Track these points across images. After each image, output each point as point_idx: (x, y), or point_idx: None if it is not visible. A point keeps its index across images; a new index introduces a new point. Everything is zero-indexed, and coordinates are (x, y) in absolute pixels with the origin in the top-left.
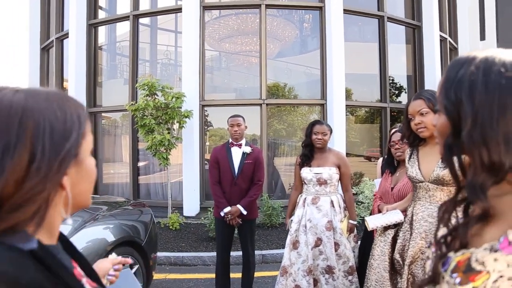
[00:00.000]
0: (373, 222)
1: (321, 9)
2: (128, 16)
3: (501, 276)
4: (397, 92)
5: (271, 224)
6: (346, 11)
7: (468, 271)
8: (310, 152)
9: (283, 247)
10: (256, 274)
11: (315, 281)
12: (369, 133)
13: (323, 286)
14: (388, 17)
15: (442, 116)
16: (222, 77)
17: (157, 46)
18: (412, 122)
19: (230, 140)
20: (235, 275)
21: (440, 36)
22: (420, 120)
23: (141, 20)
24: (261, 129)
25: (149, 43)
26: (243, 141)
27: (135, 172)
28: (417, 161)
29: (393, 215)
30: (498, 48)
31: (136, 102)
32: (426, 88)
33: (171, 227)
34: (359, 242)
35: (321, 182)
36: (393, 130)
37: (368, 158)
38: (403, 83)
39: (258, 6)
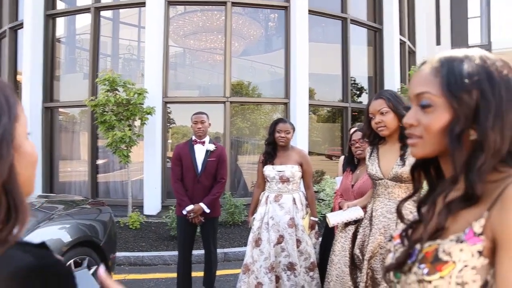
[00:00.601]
0: (334, 218)
1: (286, 8)
2: (89, 8)
3: (465, 266)
4: (358, 92)
5: (234, 222)
6: (311, 12)
7: (435, 261)
8: (273, 150)
9: (245, 245)
10: (218, 272)
11: (277, 278)
12: (331, 132)
13: (285, 283)
14: (351, 19)
15: (439, 113)
16: (186, 74)
17: (119, 41)
18: (373, 121)
19: (193, 138)
20: (197, 273)
21: (400, 39)
22: (381, 119)
23: (103, 13)
24: (225, 127)
25: (110, 37)
26: (206, 139)
27: (94, 170)
28: (377, 159)
29: (353, 212)
30: None
31: (96, 98)
32: (385, 87)
33: (131, 226)
34: (320, 238)
35: (284, 180)
36: (353, 129)
37: (329, 157)
38: (364, 84)
39: (224, 3)
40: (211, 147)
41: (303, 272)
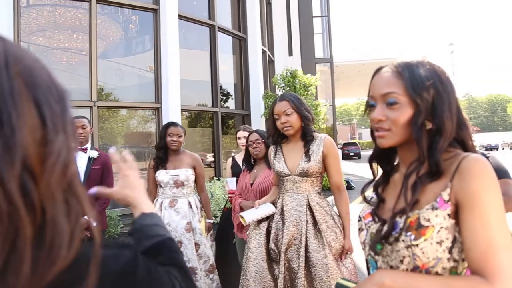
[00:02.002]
0: (249, 216)
1: (155, 11)
2: None
3: (441, 227)
4: (225, 98)
5: (109, 236)
6: (180, 17)
7: (419, 227)
8: (165, 154)
9: None
10: None
11: None
12: (203, 136)
13: None
14: (218, 27)
15: (404, 109)
16: None
17: None
18: (278, 121)
19: None
20: None
21: (262, 49)
22: (286, 119)
23: None
24: (93, 134)
25: None
26: (88, 145)
27: None
28: (283, 157)
29: (265, 208)
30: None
31: None
32: (251, 93)
33: None
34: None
35: (178, 184)
36: (243, 133)
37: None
38: (231, 90)
39: (88, 0)
40: (94, 153)
41: (203, 275)
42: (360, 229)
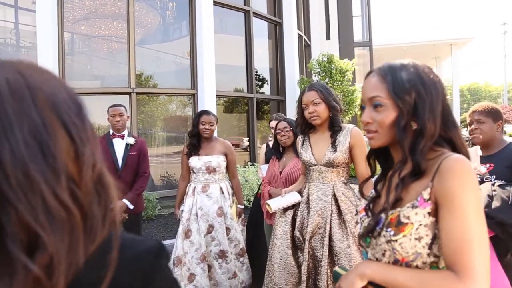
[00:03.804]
0: (275, 204)
1: None
2: None
3: (420, 225)
4: (260, 83)
5: (147, 217)
6: (215, 3)
7: (398, 224)
8: (198, 141)
9: (163, 239)
10: None
11: (209, 267)
12: (238, 122)
13: (217, 270)
14: (253, 12)
15: (388, 111)
16: (83, 63)
17: None
18: (306, 111)
19: (111, 131)
20: None
21: (297, 33)
22: (314, 109)
23: None
24: (131, 119)
25: None
26: (125, 132)
27: None
28: (310, 147)
29: (291, 197)
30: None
31: None
32: (286, 79)
33: None
34: (245, 225)
35: (210, 170)
36: (276, 120)
37: (236, 145)
38: (266, 75)
39: None
40: (131, 140)
41: (233, 258)
42: (356, 223)
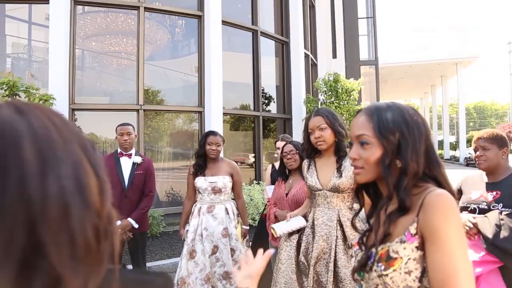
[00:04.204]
0: (280, 229)
1: (200, 18)
2: None
3: (409, 259)
4: (267, 101)
5: (152, 234)
6: (224, 22)
7: (388, 259)
8: (204, 161)
9: (168, 257)
10: None
11: None
12: (245, 139)
13: None
14: (261, 32)
15: (374, 149)
16: (93, 79)
17: (6, 38)
18: (312, 136)
19: (119, 150)
20: None
21: (304, 52)
22: (320, 134)
23: None
24: (138, 137)
25: None
26: (133, 151)
27: None
28: (315, 171)
29: (297, 221)
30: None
31: None
32: (293, 98)
33: None
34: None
35: (216, 191)
36: (282, 143)
37: (242, 162)
38: (273, 93)
39: (136, 8)
40: (138, 159)
41: None
42: (351, 256)
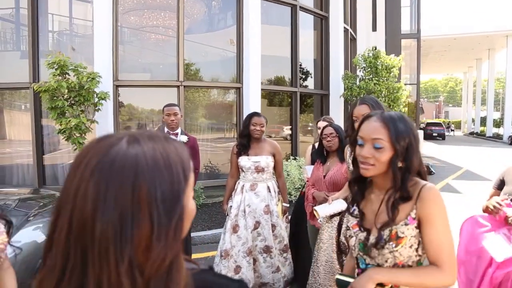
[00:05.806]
0: (322, 211)
1: None
2: None
3: (411, 236)
4: (304, 77)
5: None
6: None
7: (398, 238)
8: (247, 141)
9: (208, 229)
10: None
11: (254, 261)
12: (281, 116)
13: (261, 264)
14: (300, 6)
15: (386, 151)
16: (134, 55)
17: (49, 16)
18: (357, 124)
19: (166, 130)
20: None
21: (343, 27)
22: None
23: None
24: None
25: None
26: (179, 130)
27: (39, 156)
28: None
29: (338, 205)
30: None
31: (38, 81)
32: (331, 73)
33: None
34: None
35: (259, 170)
36: (323, 124)
37: (277, 133)
38: (310, 68)
39: None
40: (184, 138)
41: (277, 254)
42: (350, 236)
